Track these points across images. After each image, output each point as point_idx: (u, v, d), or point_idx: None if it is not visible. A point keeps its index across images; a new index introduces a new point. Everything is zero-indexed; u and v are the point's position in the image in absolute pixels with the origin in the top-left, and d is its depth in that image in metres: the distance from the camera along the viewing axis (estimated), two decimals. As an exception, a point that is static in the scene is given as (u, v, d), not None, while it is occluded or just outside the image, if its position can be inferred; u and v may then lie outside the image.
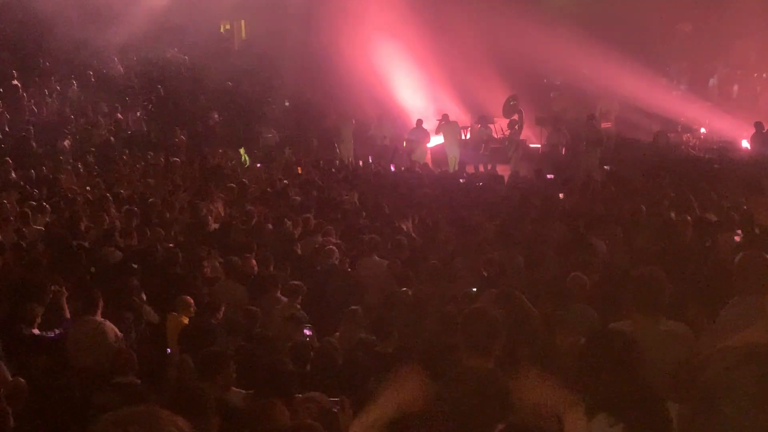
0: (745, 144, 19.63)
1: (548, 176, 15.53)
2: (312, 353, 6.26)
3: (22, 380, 5.98)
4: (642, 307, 4.48)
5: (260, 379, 5.73)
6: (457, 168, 18.61)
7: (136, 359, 6.25)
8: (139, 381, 6.14)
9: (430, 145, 21.84)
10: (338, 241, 10.40)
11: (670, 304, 5.88)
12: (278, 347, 6.71)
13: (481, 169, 19.23)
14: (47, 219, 12.05)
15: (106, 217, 11.76)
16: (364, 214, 12.21)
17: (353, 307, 7.22)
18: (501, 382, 3.97)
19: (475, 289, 7.62)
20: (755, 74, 24.34)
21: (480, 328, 3.97)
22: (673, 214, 10.28)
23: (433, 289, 7.79)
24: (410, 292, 7.60)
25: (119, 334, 7.28)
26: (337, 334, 7.07)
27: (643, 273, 4.66)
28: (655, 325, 4.41)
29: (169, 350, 7.29)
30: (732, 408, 2.89)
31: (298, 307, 7.84)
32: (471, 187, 14.84)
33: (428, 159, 21.02)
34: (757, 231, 8.66)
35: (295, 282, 8.11)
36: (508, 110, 21.56)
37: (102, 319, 7.33)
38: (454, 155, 20.44)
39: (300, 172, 17.09)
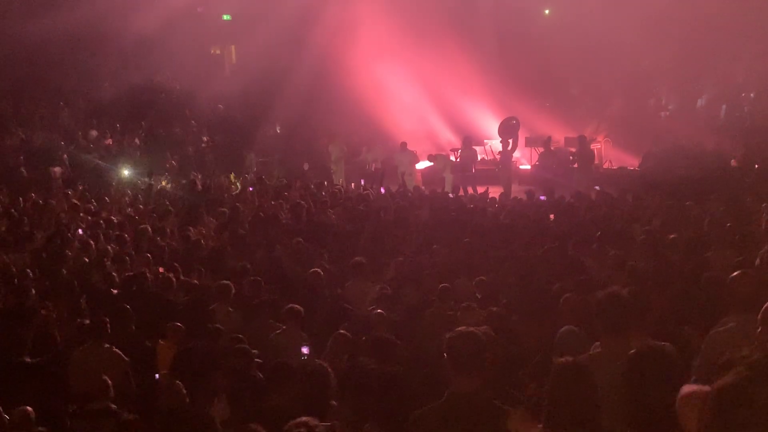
0: (734, 163, 19.76)
1: (541, 198, 15.56)
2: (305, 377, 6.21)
3: (30, 408, 5.91)
4: (609, 329, 4.50)
5: (253, 402, 5.72)
6: (451, 190, 18.69)
7: (111, 385, 6.23)
8: (114, 406, 6.11)
9: (419, 166, 21.94)
10: (328, 266, 10.38)
11: (664, 323, 5.88)
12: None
13: (470, 191, 19.28)
14: (36, 246, 11.98)
15: (92, 243, 11.70)
16: (354, 237, 12.20)
17: (341, 330, 7.18)
18: (490, 404, 3.97)
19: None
20: (743, 94, 24.54)
21: (466, 349, 3.97)
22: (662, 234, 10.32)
23: (438, 310, 7.80)
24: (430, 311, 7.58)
25: (126, 359, 7.24)
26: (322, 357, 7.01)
27: (607, 295, 4.67)
28: (623, 347, 4.37)
29: (157, 376, 7.23)
30: (749, 419, 2.88)
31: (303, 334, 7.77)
32: (462, 208, 14.83)
33: (419, 181, 21.08)
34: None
35: (294, 305, 8.05)
36: (507, 129, 21.64)
37: (109, 345, 7.28)
38: (449, 179, 20.56)
39: (297, 194, 17.06)
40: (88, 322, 7.64)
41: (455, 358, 3.98)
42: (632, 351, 3.65)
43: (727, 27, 22.26)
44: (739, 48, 22.56)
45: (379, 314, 7.74)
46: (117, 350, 7.23)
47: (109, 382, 6.29)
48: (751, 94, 24.36)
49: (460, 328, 4.14)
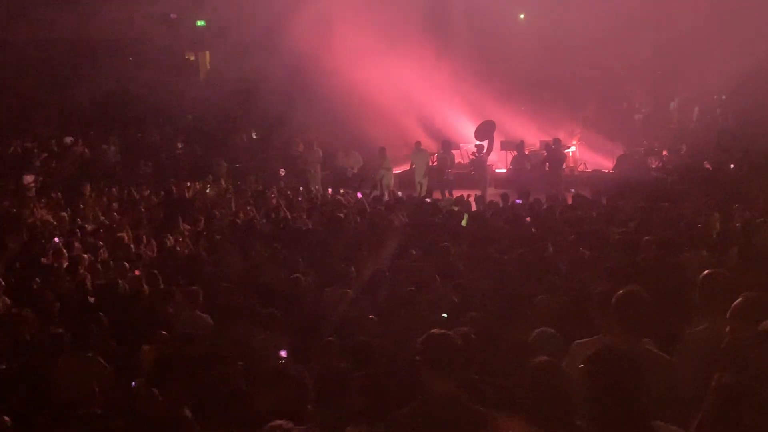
0: (707, 165, 19.96)
1: (517, 201, 15.62)
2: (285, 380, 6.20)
3: (7, 418, 5.85)
4: (625, 326, 4.51)
5: (228, 406, 5.70)
6: (424, 194, 18.73)
7: (98, 391, 6.19)
8: (100, 411, 6.08)
9: (396, 171, 21.98)
10: (306, 270, 10.37)
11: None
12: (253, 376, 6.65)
13: (447, 195, 19.34)
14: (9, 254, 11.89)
15: (65, 252, 11.62)
16: (330, 242, 12.19)
17: (330, 338, 7.17)
18: (466, 406, 3.98)
19: (445, 315, 7.61)
20: (714, 96, 24.81)
21: (441, 351, 3.99)
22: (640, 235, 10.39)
23: (408, 316, 7.80)
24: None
25: (107, 367, 7.21)
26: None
27: (627, 292, 4.69)
28: (637, 344, 4.42)
29: (134, 383, 7.20)
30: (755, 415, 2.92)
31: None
32: (438, 212, 14.87)
33: (395, 185, 21.12)
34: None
35: (271, 310, 8.02)
36: (483, 133, 21.84)
37: (90, 354, 7.24)
38: (420, 182, 20.59)
39: (273, 199, 17.00)
40: (61, 330, 7.57)
41: (430, 359, 3.99)
42: (591, 352, 3.66)
43: (698, 31, 22.53)
44: (710, 51, 22.80)
45: (370, 320, 7.74)
46: (100, 359, 7.20)
47: (97, 389, 6.26)
48: (723, 96, 24.63)
49: (433, 330, 4.15)
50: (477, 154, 20.64)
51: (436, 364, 3.97)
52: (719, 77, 23.89)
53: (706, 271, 5.24)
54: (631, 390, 3.38)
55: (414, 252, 10.94)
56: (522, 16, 28.32)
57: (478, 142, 21.03)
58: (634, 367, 3.45)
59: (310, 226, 13.75)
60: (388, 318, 8.10)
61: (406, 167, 22.34)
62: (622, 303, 4.57)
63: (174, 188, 17.04)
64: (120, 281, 9.74)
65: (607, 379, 3.41)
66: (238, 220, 14.34)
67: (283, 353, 7.07)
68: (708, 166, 19.76)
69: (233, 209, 15.95)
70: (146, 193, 18.20)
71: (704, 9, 22.35)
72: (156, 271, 10.25)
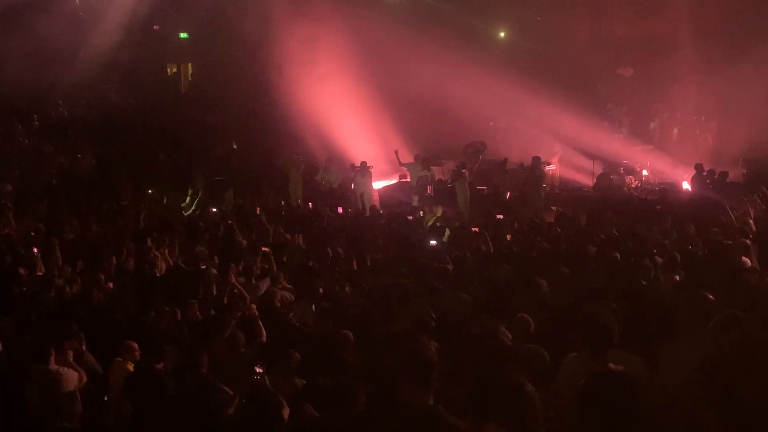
0: (686, 185, 20.10)
1: (498, 216, 15.63)
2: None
3: None
4: (590, 344, 4.53)
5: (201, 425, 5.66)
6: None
7: (66, 404, 6.13)
8: (69, 426, 6.01)
9: (376, 186, 21.97)
10: (288, 285, 10.34)
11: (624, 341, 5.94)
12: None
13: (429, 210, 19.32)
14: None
15: (40, 263, 11.52)
16: (311, 257, 12.16)
17: (290, 350, 7.14)
18: (444, 419, 3.95)
19: None
20: (694, 117, 25.04)
21: (416, 363, 3.99)
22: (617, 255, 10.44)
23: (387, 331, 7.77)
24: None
25: (84, 379, 7.13)
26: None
27: (592, 311, 4.71)
28: (603, 362, 4.43)
29: (106, 397, 7.12)
30: None
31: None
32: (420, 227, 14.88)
33: (376, 201, 21.09)
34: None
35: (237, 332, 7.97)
36: (470, 149, 22.12)
37: (57, 367, 7.16)
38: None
39: (259, 212, 16.89)
40: (37, 341, 7.50)
41: (406, 371, 3.99)
42: (587, 375, 3.64)
43: (677, 51, 22.80)
44: (689, 73, 23.05)
45: (345, 335, 7.69)
46: (65, 371, 7.13)
47: (64, 401, 6.20)
48: (702, 118, 24.85)
49: (411, 343, 4.14)
50: (459, 168, 20.63)
51: (412, 375, 3.96)
52: (698, 99, 24.14)
53: (686, 292, 5.27)
54: (628, 413, 3.36)
55: (394, 267, 10.93)
56: (502, 34, 28.50)
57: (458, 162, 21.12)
58: (632, 390, 3.44)
59: (290, 241, 13.71)
60: (367, 332, 8.07)
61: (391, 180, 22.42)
62: (586, 321, 4.60)
63: (156, 199, 16.99)
64: (95, 292, 9.65)
65: (605, 403, 3.38)
66: (218, 234, 14.29)
67: (259, 369, 7.03)
68: (687, 187, 19.90)
69: (216, 222, 15.88)
70: (126, 203, 18.06)
71: (682, 33, 22.63)
72: (134, 284, 10.19)
